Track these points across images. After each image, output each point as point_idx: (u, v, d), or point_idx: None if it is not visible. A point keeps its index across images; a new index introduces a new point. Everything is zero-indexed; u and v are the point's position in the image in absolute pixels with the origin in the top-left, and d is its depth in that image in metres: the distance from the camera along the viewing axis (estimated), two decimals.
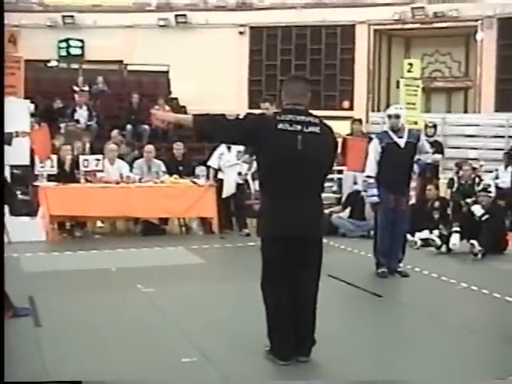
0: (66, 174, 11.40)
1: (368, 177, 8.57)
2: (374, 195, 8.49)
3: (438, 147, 13.21)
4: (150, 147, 12.51)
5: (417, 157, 8.60)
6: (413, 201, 12.11)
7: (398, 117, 8.47)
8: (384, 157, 8.41)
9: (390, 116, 8.55)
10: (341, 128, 15.22)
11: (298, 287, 5.07)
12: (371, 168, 8.50)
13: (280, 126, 4.80)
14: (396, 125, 8.46)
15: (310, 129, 4.86)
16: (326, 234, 11.17)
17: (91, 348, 5.45)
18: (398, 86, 15.88)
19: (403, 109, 9.12)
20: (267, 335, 5.12)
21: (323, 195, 5.24)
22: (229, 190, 11.67)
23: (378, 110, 20.72)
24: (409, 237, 10.15)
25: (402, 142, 8.41)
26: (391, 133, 8.47)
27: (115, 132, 14.49)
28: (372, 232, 9.29)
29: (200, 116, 4.97)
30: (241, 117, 4.96)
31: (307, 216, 4.97)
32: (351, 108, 21.30)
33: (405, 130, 8.54)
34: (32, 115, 12.42)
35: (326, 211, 12.98)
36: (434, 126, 14.03)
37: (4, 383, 3.23)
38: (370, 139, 9.94)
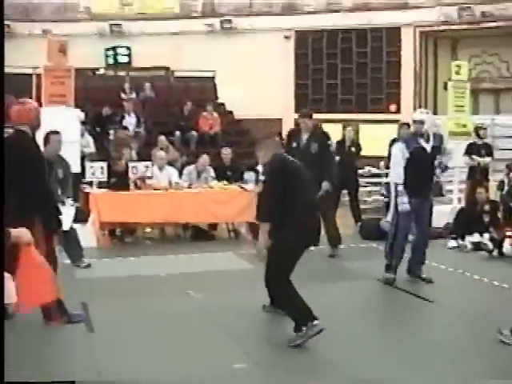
0: (117, 182, 11.48)
1: (398, 184, 8.24)
2: (404, 203, 8.16)
3: (487, 149, 13.05)
4: (205, 159, 12.35)
5: (438, 160, 8.52)
6: (462, 204, 12.02)
7: (422, 122, 8.29)
8: (411, 161, 8.18)
9: (414, 121, 8.45)
10: (388, 132, 15.18)
11: None
12: (400, 174, 8.23)
13: (289, 163, 6.40)
14: (419, 130, 8.31)
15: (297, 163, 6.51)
16: (375, 238, 11.28)
17: (143, 353, 5.53)
18: (445, 88, 15.73)
19: (429, 113, 8.81)
20: (298, 324, 5.59)
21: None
22: None
23: None
24: (459, 240, 10.07)
25: (428, 147, 8.31)
26: (418, 137, 8.33)
27: (162, 137, 14.65)
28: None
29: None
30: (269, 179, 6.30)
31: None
32: (398, 111, 21.15)
33: (430, 135, 8.40)
34: (82, 123, 12.62)
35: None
36: (485, 128, 13.88)
37: (4, 383, 3.29)
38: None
